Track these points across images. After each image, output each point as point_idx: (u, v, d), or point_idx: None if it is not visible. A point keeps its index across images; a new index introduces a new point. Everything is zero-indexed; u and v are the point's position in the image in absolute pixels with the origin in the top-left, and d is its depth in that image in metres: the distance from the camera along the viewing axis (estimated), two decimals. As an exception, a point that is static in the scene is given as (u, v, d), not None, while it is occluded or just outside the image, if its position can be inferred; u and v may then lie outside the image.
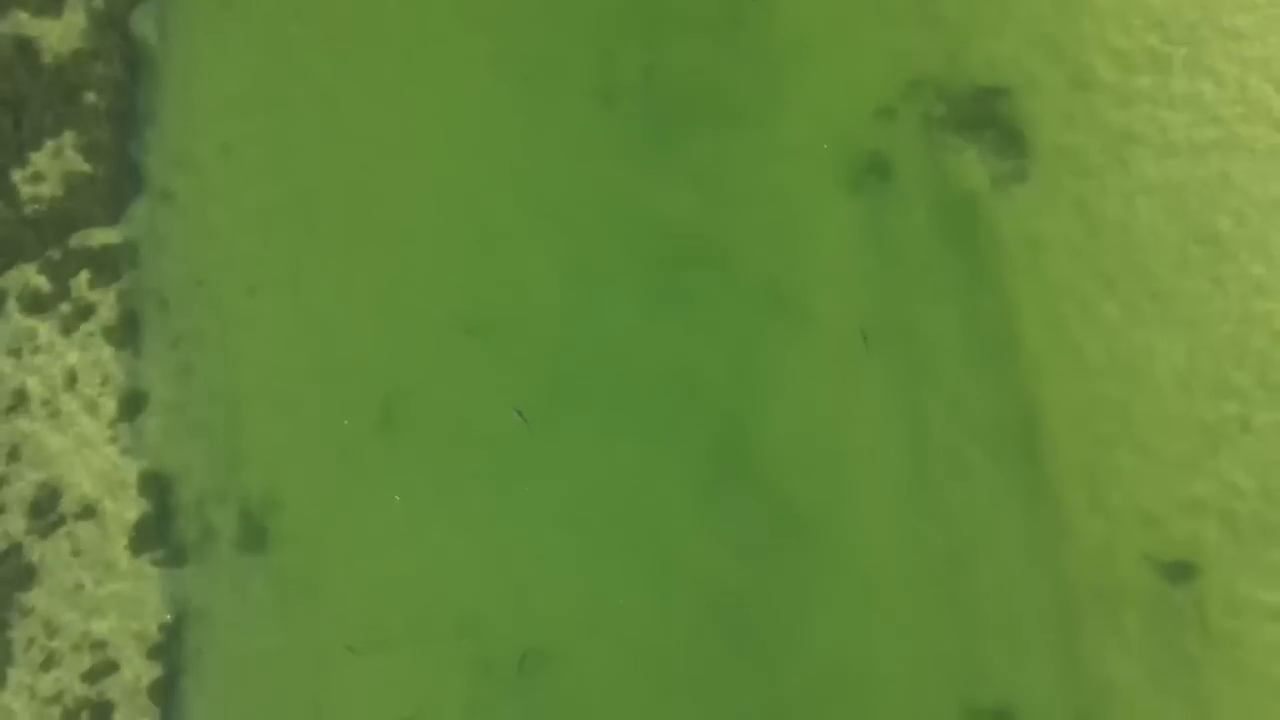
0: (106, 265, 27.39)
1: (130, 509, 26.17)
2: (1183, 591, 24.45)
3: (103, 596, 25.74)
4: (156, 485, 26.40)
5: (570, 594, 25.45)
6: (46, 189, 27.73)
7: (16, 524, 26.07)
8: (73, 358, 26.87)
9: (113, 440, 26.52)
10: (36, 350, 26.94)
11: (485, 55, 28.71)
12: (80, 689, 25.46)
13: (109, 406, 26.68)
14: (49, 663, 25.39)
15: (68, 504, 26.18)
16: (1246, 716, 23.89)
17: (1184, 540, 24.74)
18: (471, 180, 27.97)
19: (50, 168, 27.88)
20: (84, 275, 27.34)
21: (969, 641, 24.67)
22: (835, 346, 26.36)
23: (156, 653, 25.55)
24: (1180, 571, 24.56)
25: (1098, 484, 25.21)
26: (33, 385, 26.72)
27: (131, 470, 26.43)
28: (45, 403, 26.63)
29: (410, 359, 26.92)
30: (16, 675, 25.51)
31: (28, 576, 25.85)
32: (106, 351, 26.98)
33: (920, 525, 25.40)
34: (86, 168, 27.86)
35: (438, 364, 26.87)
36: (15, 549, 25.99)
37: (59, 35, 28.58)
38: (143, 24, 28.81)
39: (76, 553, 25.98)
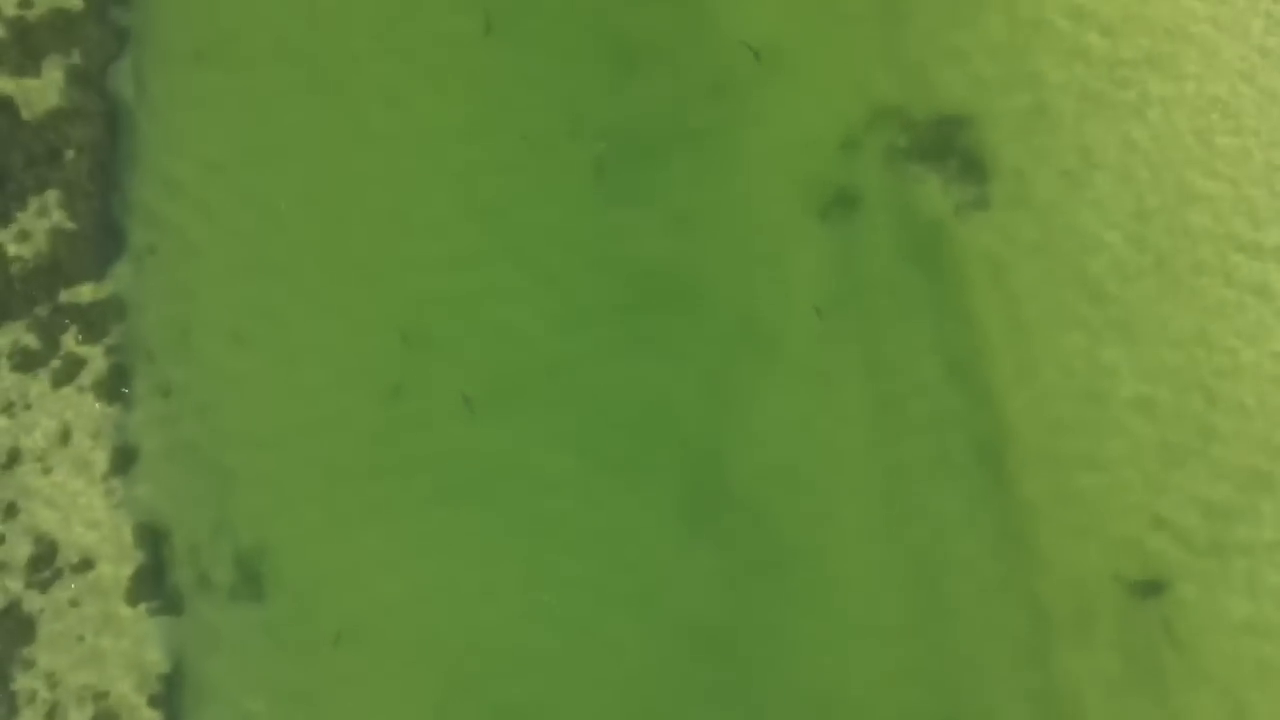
0: (94, 320, 27.95)
1: (126, 560, 26.77)
2: (1152, 606, 25.09)
3: (103, 647, 26.33)
4: (151, 536, 26.96)
5: (553, 630, 26.07)
6: (32, 247, 28.30)
7: (15, 579, 26.68)
8: (64, 413, 27.45)
9: (107, 494, 27.10)
10: (29, 407, 27.53)
11: (460, 94, 29.17)
12: (84, 738, 26.13)
13: (101, 460, 27.27)
14: (52, 715, 25.99)
15: (65, 558, 26.79)
16: (1217, 727, 24.58)
17: (1152, 556, 25.37)
18: (447, 217, 28.47)
19: (35, 226, 28.45)
20: (72, 331, 27.91)
21: (945, 663, 25.31)
22: (807, 375, 26.95)
23: (157, 701, 26.13)
24: (1149, 587, 25.20)
25: (1066, 502, 25.84)
26: (26, 442, 27.30)
27: (126, 522, 26.98)
28: (39, 459, 27.23)
29: (391, 400, 27.47)
30: (21, 726, 26.20)
31: (28, 630, 26.46)
32: (97, 406, 27.56)
33: (895, 549, 26.04)
34: (71, 225, 28.43)
35: (419, 404, 27.44)
36: (15, 603, 26.60)
37: (38, 94, 29.11)
38: (120, 80, 29.31)
39: (75, 605, 26.60)
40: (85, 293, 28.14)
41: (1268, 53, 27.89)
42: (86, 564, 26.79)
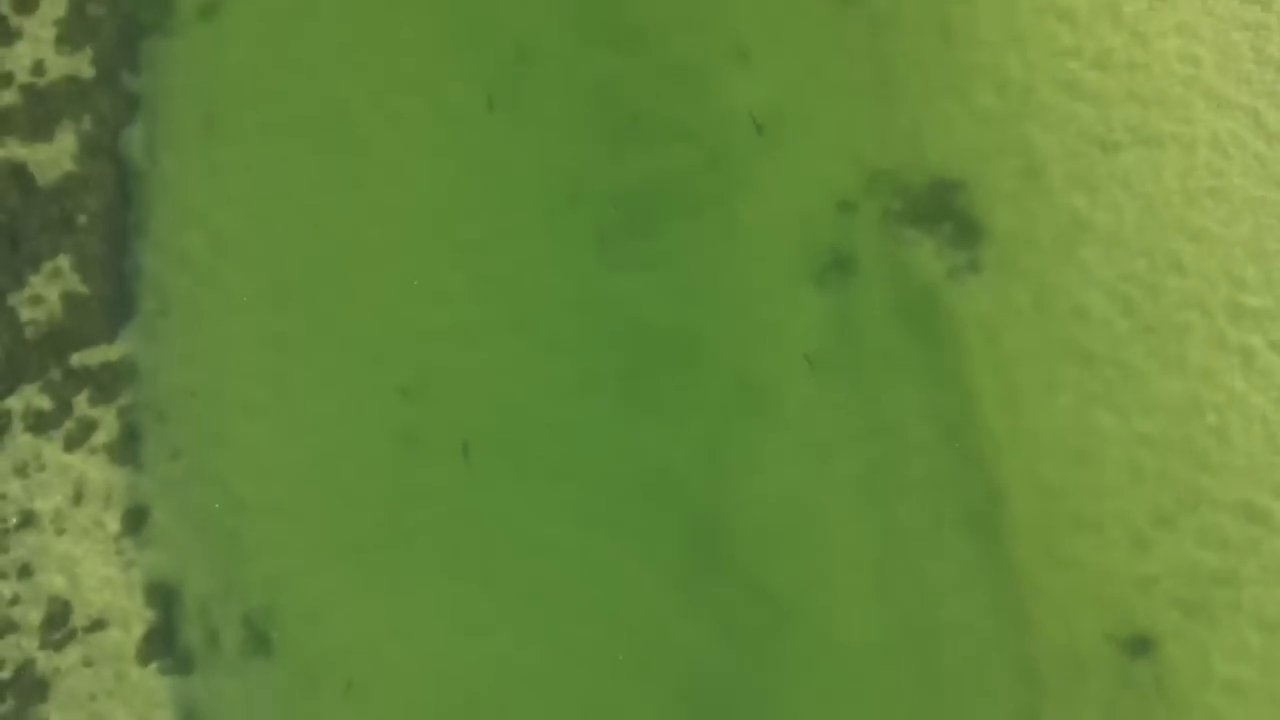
0: (105, 383, 28.53)
1: (138, 620, 27.30)
2: (1143, 666, 25.60)
3: (115, 707, 26.81)
4: (161, 595, 27.49)
5: (555, 687, 26.61)
6: (45, 311, 28.89)
7: (30, 639, 27.20)
8: (77, 475, 28.00)
9: (119, 554, 27.65)
10: (42, 469, 28.09)
11: (459, 158, 29.82)
12: (96, 795, 26.63)
13: (113, 521, 27.81)
14: (66, 773, 26.59)
15: (78, 618, 27.30)
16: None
17: (1144, 615, 25.87)
18: (451, 281, 29.07)
19: (48, 289, 29.04)
20: (84, 394, 28.48)
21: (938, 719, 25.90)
22: (803, 437, 27.51)
23: (169, 760, 26.74)
24: (1140, 646, 25.71)
25: (1059, 561, 26.39)
26: (40, 504, 27.85)
27: (137, 582, 27.53)
28: (53, 520, 27.78)
29: (396, 462, 28.06)
30: (34, 784, 26.70)
31: (42, 690, 26.97)
32: (109, 467, 28.12)
33: (891, 605, 26.60)
34: (83, 288, 29.03)
35: (423, 468, 28.02)
36: (29, 663, 27.12)
37: (51, 159, 29.74)
38: (131, 145, 29.93)
39: (88, 665, 27.10)
40: (97, 355, 28.71)
41: (1262, 109, 28.43)
42: (99, 624, 27.31)
